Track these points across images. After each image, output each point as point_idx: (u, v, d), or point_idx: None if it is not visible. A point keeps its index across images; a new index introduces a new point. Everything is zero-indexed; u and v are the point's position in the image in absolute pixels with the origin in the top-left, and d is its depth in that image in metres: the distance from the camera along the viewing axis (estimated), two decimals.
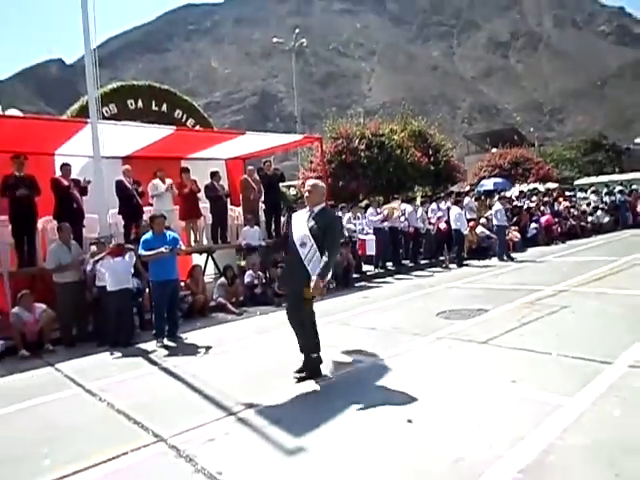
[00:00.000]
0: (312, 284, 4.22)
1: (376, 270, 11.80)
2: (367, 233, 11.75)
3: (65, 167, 8.25)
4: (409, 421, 3.43)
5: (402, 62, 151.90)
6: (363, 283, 10.59)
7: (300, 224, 4.53)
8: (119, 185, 8.64)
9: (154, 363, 5.74)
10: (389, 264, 12.12)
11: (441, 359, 4.77)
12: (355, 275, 10.95)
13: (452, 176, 20.18)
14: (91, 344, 6.84)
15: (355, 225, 11.72)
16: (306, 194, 4.62)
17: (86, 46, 7.58)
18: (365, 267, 11.84)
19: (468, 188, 21.44)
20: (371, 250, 11.43)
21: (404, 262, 12.60)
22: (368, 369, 4.73)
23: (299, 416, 3.73)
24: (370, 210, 12.18)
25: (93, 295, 7.16)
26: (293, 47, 27.68)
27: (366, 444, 3.17)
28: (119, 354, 6.28)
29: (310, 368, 4.53)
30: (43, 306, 6.88)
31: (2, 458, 3.45)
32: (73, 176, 8.35)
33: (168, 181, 9.34)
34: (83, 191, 8.22)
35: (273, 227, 11.03)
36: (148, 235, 6.78)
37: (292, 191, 19.68)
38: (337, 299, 8.88)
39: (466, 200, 13.89)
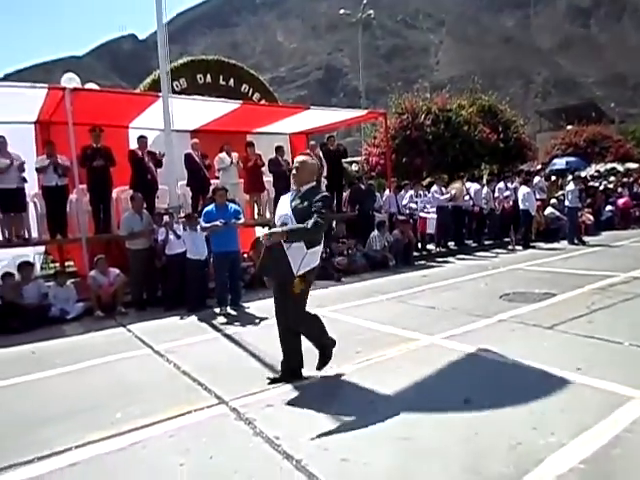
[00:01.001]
0: (267, 235, 3.64)
1: (437, 249, 11.59)
2: (429, 212, 11.52)
3: (141, 139, 8.62)
4: (466, 401, 3.38)
5: (473, 33, 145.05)
6: (423, 262, 10.44)
7: (284, 203, 3.98)
8: (188, 158, 8.93)
9: (217, 329, 5.99)
10: (451, 243, 11.86)
11: (503, 342, 4.64)
12: (415, 253, 10.80)
13: (522, 154, 19.21)
14: (159, 308, 7.22)
15: (417, 203, 11.51)
16: (293, 171, 4.00)
17: (158, 21, 7.80)
18: (427, 246, 11.66)
19: (539, 167, 20.39)
20: (431, 228, 11.22)
21: (467, 242, 12.28)
22: (426, 348, 4.69)
23: (356, 389, 3.78)
24: (435, 188, 11.90)
25: (162, 262, 7.53)
26: (360, 19, 27.08)
27: (422, 422, 3.17)
28: (186, 319, 6.60)
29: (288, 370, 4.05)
30: (117, 270, 7.33)
31: (79, 408, 3.75)
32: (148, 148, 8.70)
33: (234, 155, 9.55)
34: (158, 163, 8.58)
35: (335, 203, 11.04)
36: (210, 207, 6.99)
37: (354, 167, 19.54)
38: (396, 276, 8.84)
39: (536, 179, 13.26)
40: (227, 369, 4.46)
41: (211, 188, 9.05)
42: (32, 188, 8.43)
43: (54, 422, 3.52)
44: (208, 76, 13.13)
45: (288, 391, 3.81)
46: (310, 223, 3.65)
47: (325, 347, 4.11)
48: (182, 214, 7.82)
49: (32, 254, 9.30)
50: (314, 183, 3.99)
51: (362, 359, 4.42)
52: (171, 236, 7.29)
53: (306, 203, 3.78)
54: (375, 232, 10.12)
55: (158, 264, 7.61)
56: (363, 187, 11.37)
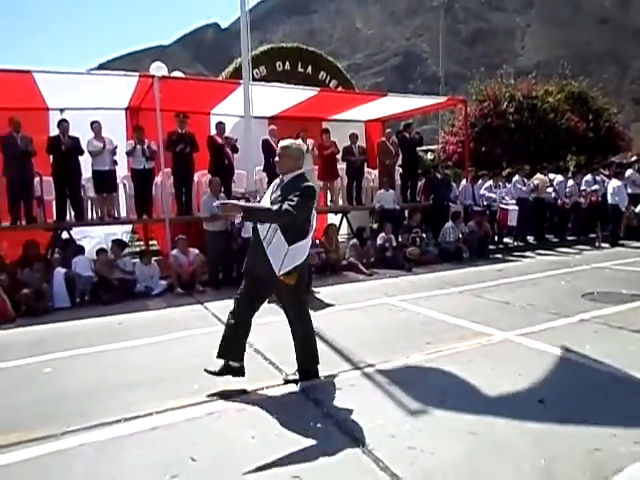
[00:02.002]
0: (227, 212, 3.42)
1: (515, 243, 11.12)
2: (507, 203, 11.05)
3: (220, 125, 8.95)
4: (540, 401, 3.26)
5: (564, 15, 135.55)
6: (500, 255, 10.07)
7: (266, 196, 3.67)
8: (265, 144, 9.14)
9: None
10: (531, 238, 11.33)
11: (583, 342, 4.40)
12: (491, 247, 10.44)
13: (614, 145, 17.84)
14: (234, 288, 7.47)
15: (495, 194, 11.07)
16: (276, 158, 3.67)
17: (242, 9, 7.98)
18: (504, 239, 11.22)
19: (633, 159, 18.85)
20: (513, 221, 10.74)
21: (548, 237, 11.67)
22: (499, 344, 4.55)
23: (424, 380, 3.75)
24: (516, 178, 11.39)
25: (238, 245, 7.80)
26: (442, 2, 26.24)
27: (492, 418, 3.09)
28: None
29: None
30: (196, 251, 7.70)
31: (160, 377, 4.01)
32: (225, 134, 9.01)
33: (309, 142, 9.65)
34: (234, 149, 8.88)
35: (409, 192, 10.89)
36: None
37: (429, 156, 19.11)
38: (469, 269, 8.60)
39: (628, 172, 12.27)
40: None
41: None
42: (122, 170, 9.04)
43: (137, 388, 3.79)
44: (287, 63, 13.30)
45: (357, 376, 3.86)
46: (275, 207, 3.35)
47: (307, 370, 3.75)
48: (258, 198, 8.04)
49: (120, 232, 9.98)
50: (299, 171, 3.60)
51: (431, 350, 4.37)
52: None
53: (286, 196, 3.42)
54: (449, 223, 9.88)
55: (234, 246, 7.89)
56: (439, 176, 11.10)
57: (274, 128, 9.51)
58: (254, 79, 10.00)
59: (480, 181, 11.32)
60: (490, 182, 11.20)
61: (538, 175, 11.74)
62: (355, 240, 9.29)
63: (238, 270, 8.01)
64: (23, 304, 6.42)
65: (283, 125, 10.07)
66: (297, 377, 3.75)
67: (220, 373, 3.66)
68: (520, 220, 10.83)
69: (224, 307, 6.46)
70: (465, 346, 4.46)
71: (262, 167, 9.38)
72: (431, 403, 3.31)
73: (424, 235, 9.69)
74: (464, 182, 11.59)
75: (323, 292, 7.10)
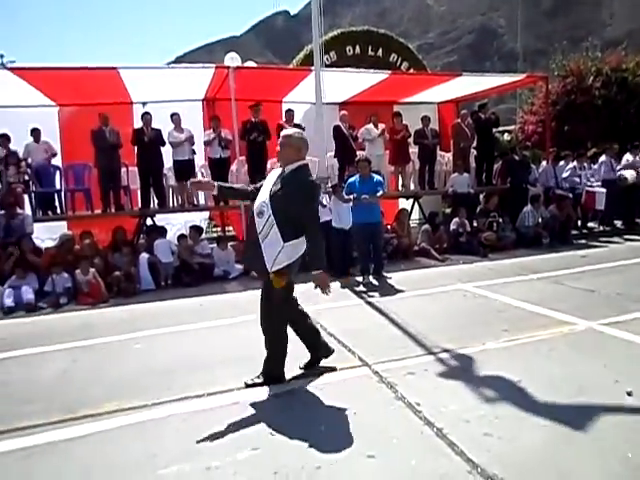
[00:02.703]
0: (316, 280, 3.47)
1: (601, 228, 10.45)
2: (592, 185, 10.38)
3: (289, 113, 9.10)
4: (629, 394, 3.09)
5: None
6: (583, 241, 9.49)
7: (265, 188, 3.47)
8: (336, 130, 9.17)
9: (360, 296, 6.20)
10: (618, 222, 10.59)
11: None
12: (574, 232, 9.87)
13: None
14: (307, 273, 7.64)
15: (580, 177, 10.42)
16: (277, 148, 3.52)
17: None
18: (588, 224, 10.58)
19: None
20: (600, 205, 10.08)
21: (638, 221, 10.84)
22: (582, 333, 4.33)
23: (501, 367, 3.65)
24: (603, 158, 10.65)
25: None
26: None
27: (574, 409, 2.98)
28: (330, 284, 6.90)
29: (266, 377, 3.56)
30: None
31: (239, 356, 4.20)
32: (296, 121, 9.14)
33: (381, 126, 9.56)
34: None
35: (484, 175, 10.51)
36: (353, 178, 7.12)
37: (506, 137, 18.26)
38: (550, 255, 8.22)
39: None
40: (369, 334, 4.62)
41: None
42: (200, 159, 9.44)
43: (218, 365, 4.01)
44: (357, 47, 13.21)
45: (430, 361, 3.84)
46: (311, 237, 3.37)
47: (270, 375, 3.54)
48: (329, 184, 8.11)
49: (199, 219, 10.45)
50: (301, 162, 3.42)
51: (509, 338, 4.25)
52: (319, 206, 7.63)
53: (286, 190, 3.29)
54: (528, 207, 9.45)
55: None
56: (517, 158, 10.61)
57: (345, 113, 9.50)
58: (324, 65, 10.04)
59: (562, 162, 10.70)
60: (574, 163, 10.55)
61: (628, 155, 10.90)
62: (427, 225, 9.14)
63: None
64: (115, 286, 6.95)
65: (354, 110, 10.04)
66: (260, 380, 3.54)
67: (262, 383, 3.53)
68: (607, 203, 10.14)
69: (296, 290, 6.64)
70: (545, 334, 4.29)
71: (333, 153, 9.42)
72: (508, 391, 3.24)
73: (501, 220, 9.34)
74: (544, 164, 11.00)
75: (395, 278, 7.08)
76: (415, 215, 10.70)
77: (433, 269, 7.78)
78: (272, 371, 3.57)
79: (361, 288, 6.65)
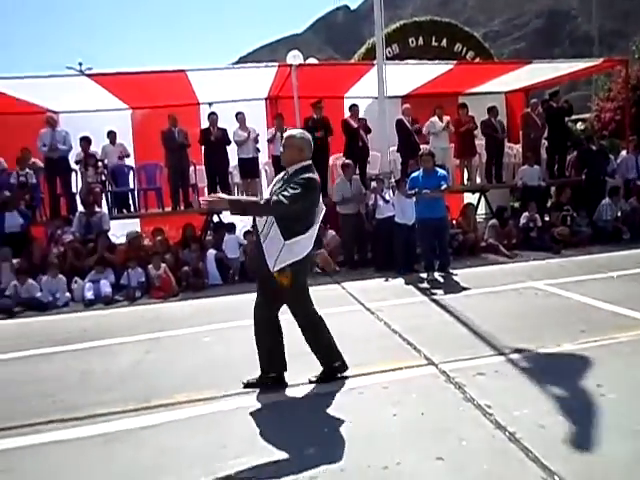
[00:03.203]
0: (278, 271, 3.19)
1: None
2: None
3: (354, 108, 9.05)
4: None
5: None
6: None
7: (268, 189, 3.46)
8: (399, 124, 9.03)
9: (424, 293, 6.09)
10: None
11: None
12: None
13: None
14: (369, 269, 7.62)
15: None
16: (281, 149, 3.47)
17: None
18: None
19: None
20: None
21: None
22: None
23: (578, 370, 3.45)
24: None
25: (372, 226, 7.87)
26: None
27: None
28: (394, 281, 6.84)
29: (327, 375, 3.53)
30: (332, 232, 7.94)
31: (305, 351, 4.21)
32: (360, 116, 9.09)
33: (445, 118, 9.31)
34: (367, 130, 8.92)
35: (556, 167, 9.98)
36: (417, 173, 6.96)
37: (580, 126, 17.24)
38: (631, 252, 7.71)
39: None
40: (434, 332, 4.52)
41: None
42: (264, 157, 9.61)
43: (288, 360, 4.04)
44: (420, 39, 12.93)
45: (501, 362, 3.70)
46: (264, 199, 3.17)
47: (332, 368, 3.51)
48: (392, 179, 8.01)
49: None
50: (305, 163, 3.32)
51: (586, 339, 4.00)
52: (380, 201, 7.56)
53: (286, 187, 3.18)
54: (606, 200, 8.87)
55: (368, 227, 7.98)
56: (593, 148, 9.97)
57: (408, 107, 9.33)
58: (387, 58, 9.90)
59: None
60: None
61: None
62: (495, 220, 8.80)
63: (372, 251, 8.11)
64: (184, 280, 7.23)
65: (417, 103, 9.84)
66: (323, 376, 3.53)
67: (259, 383, 3.52)
68: None
69: (360, 287, 6.64)
70: (626, 337, 4.01)
71: (396, 148, 9.29)
72: (587, 396, 3.05)
73: (575, 214, 8.83)
74: (624, 153, 10.27)
75: (461, 274, 6.88)
76: (481, 210, 10.35)
77: (502, 266, 7.48)
78: (333, 362, 3.52)
79: (425, 285, 6.52)
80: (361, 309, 5.53)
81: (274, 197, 3.12)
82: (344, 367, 3.55)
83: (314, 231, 3.35)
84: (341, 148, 9.16)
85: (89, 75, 8.74)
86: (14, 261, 7.23)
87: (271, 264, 3.20)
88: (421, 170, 6.90)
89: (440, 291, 6.13)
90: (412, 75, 9.61)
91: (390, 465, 2.45)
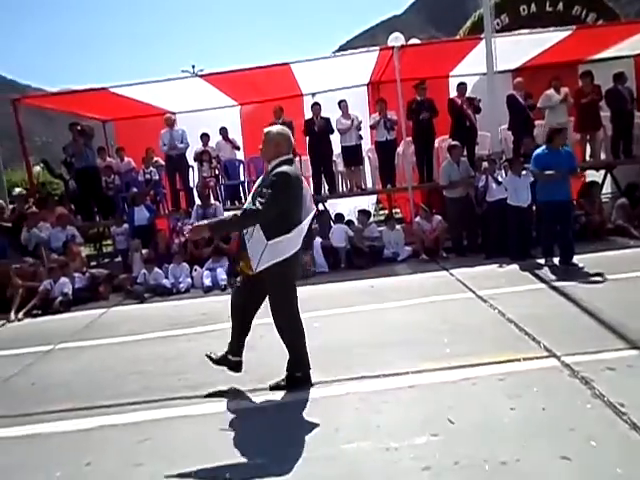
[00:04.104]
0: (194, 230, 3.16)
1: None
2: None
3: (460, 87, 8.69)
4: None
5: None
6: None
7: (253, 188, 3.44)
8: (510, 100, 8.48)
9: (543, 280, 5.68)
10: None
11: None
12: None
13: None
14: (480, 255, 7.28)
15: None
16: (260, 146, 3.38)
17: None
18: None
19: None
20: None
21: None
22: None
23: None
24: None
25: (482, 209, 7.49)
26: None
27: None
28: (507, 267, 6.47)
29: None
30: (439, 217, 7.71)
31: (411, 339, 4.16)
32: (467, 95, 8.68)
33: (563, 90, 8.55)
34: (476, 109, 8.49)
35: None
36: (540, 150, 6.40)
37: None
38: None
39: None
40: (555, 322, 4.20)
41: (535, 130, 8.47)
42: (366, 144, 9.56)
43: (391, 347, 4.02)
44: (532, 5, 11.95)
45: (635, 357, 3.35)
46: (240, 212, 3.16)
47: (293, 378, 3.43)
48: (503, 159, 7.55)
49: (366, 203, 10.63)
50: (283, 157, 3.24)
51: None
52: (492, 183, 7.16)
53: (264, 186, 3.17)
54: None
55: (478, 211, 7.61)
56: None
57: (520, 81, 8.70)
58: (495, 31, 9.31)
59: None
60: None
61: None
62: (624, 199, 7.94)
63: (483, 236, 7.73)
64: None
65: (530, 76, 9.17)
66: (283, 383, 3.46)
67: (218, 362, 3.60)
68: None
69: (470, 274, 6.37)
70: None
71: (507, 125, 8.73)
72: None
73: None
74: None
75: (584, 260, 6.30)
76: (606, 189, 9.39)
77: (633, 250, 6.74)
78: (297, 371, 3.46)
79: (544, 271, 6.08)
80: (472, 297, 5.30)
81: (250, 206, 3.15)
82: (306, 380, 3.45)
83: (301, 230, 3.26)
84: (447, 130, 8.82)
85: (201, 76, 9.29)
86: (143, 251, 7.97)
87: (254, 264, 3.18)
88: (544, 148, 6.34)
89: (561, 278, 5.66)
90: (524, 46, 8.91)
91: (509, 461, 2.33)
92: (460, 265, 6.87)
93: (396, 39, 9.86)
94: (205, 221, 3.34)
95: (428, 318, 4.75)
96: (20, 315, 6.60)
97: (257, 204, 3.10)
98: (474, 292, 5.42)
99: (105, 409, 3.43)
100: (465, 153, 8.15)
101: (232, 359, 3.55)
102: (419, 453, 2.48)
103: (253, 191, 3.36)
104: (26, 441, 3.13)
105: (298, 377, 3.45)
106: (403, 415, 2.90)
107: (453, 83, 9.55)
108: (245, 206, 3.25)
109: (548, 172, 6.09)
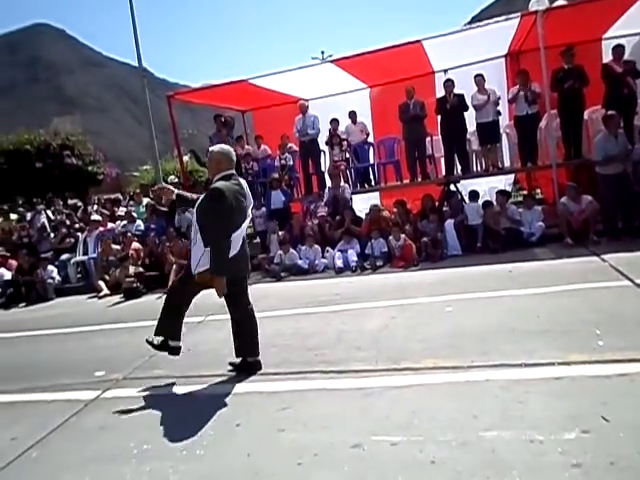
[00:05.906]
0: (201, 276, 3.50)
1: None
2: None
3: (617, 49, 7.78)
4: None
5: None
6: None
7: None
8: None
9: None
10: None
11: None
12: None
13: None
14: (637, 239, 6.48)
15: None
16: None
17: None
18: None
19: None
20: None
21: None
22: None
23: None
24: None
25: None
26: None
27: None
28: None
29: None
30: (589, 197, 6.99)
31: (554, 328, 3.86)
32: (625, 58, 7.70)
33: None
34: (636, 74, 7.49)
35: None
36: None
37: None
38: None
39: None
40: None
41: None
42: (504, 120, 8.96)
43: (532, 335, 3.76)
44: None
45: None
46: (209, 247, 3.41)
47: (247, 363, 3.84)
48: None
49: (503, 183, 10.01)
50: (223, 173, 3.58)
51: None
52: None
53: (202, 199, 3.60)
54: None
55: (637, 189, 6.76)
56: None
57: None
58: None
59: None
60: None
61: None
62: None
63: None
64: (423, 251, 7.35)
65: None
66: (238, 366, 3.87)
67: (158, 347, 3.84)
68: None
69: (626, 260, 5.70)
70: None
71: None
72: None
73: None
74: None
75: None
76: None
77: None
78: (251, 356, 3.82)
79: None
80: (629, 285, 4.75)
81: (204, 236, 3.47)
82: (257, 366, 3.82)
83: (238, 237, 3.53)
84: (598, 99, 7.91)
85: (332, 61, 9.42)
86: (279, 233, 8.43)
87: (193, 267, 3.55)
88: None
89: None
90: None
91: None
92: (614, 250, 6.18)
93: (538, 3, 9.03)
94: (204, 269, 3.51)
95: (576, 307, 4.36)
96: None
97: (211, 230, 3.42)
98: (632, 280, 4.85)
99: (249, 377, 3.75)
100: (622, 124, 7.24)
101: (172, 344, 3.89)
102: (568, 449, 2.31)
103: (198, 202, 3.66)
104: (183, 400, 3.56)
105: (251, 363, 3.83)
106: (549, 407, 2.72)
107: (607, 46, 8.51)
108: (195, 233, 3.59)
109: None
